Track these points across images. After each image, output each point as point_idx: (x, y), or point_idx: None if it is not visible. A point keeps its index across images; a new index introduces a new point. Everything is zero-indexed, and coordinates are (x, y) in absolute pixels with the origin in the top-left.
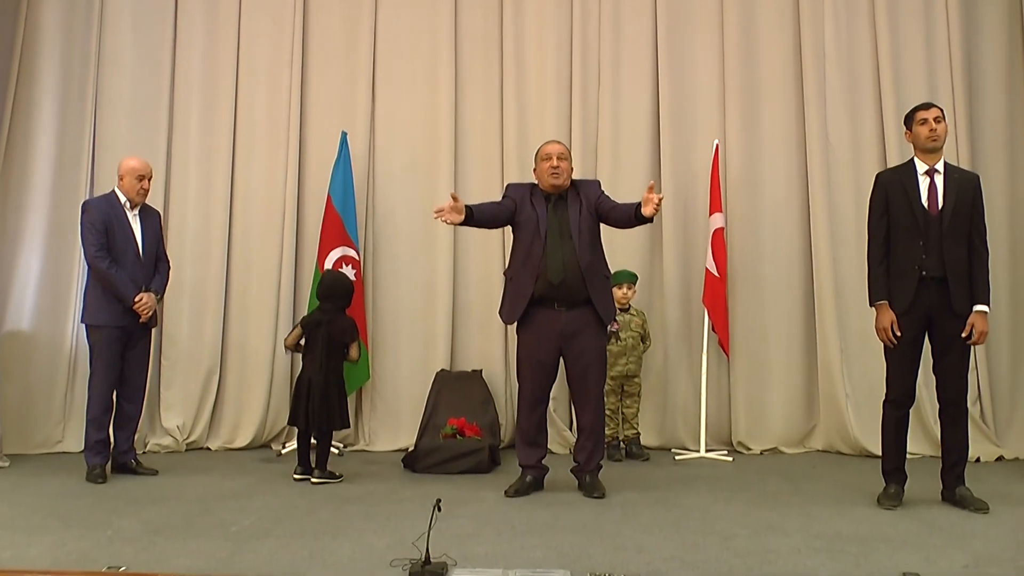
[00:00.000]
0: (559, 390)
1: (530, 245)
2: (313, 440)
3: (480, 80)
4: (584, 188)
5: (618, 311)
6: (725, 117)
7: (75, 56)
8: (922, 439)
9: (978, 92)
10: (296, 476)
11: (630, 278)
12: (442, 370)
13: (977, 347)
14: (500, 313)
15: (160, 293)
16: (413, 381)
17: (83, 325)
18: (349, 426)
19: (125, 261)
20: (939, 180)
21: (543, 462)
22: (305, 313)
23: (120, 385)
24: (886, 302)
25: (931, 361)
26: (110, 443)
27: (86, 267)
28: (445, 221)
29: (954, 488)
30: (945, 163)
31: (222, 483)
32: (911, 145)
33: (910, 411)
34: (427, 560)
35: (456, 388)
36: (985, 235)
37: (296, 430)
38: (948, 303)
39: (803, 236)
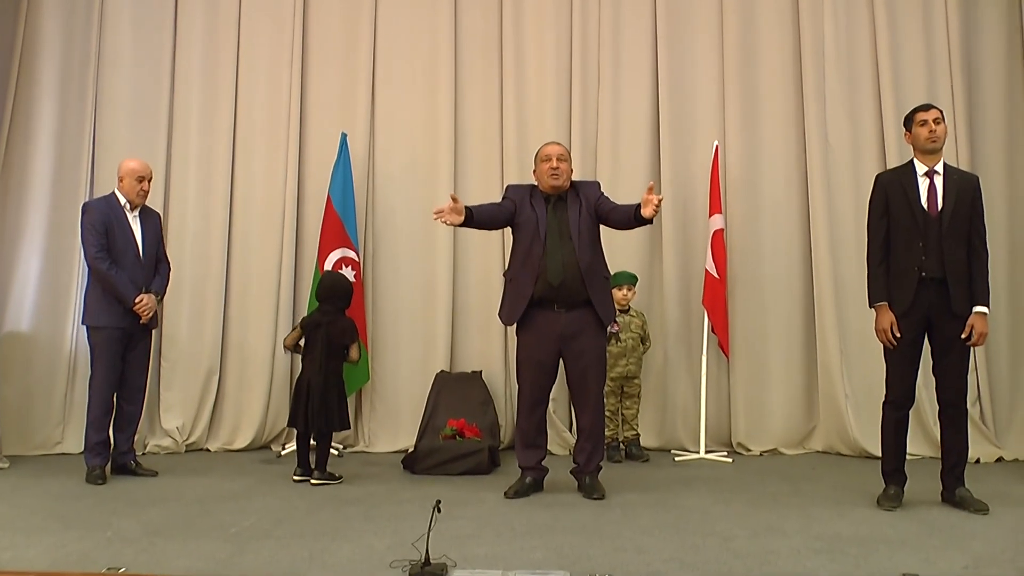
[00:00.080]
0: (559, 391)
1: (530, 246)
2: (313, 441)
3: (480, 81)
4: (584, 189)
5: (618, 312)
6: (725, 118)
7: (75, 57)
8: (922, 440)
9: (977, 93)
10: (296, 477)
11: (630, 279)
12: (442, 371)
13: (977, 348)
14: (500, 314)
15: (160, 294)
16: (413, 382)
17: (84, 326)
18: (349, 427)
19: (125, 262)
20: (939, 181)
21: (543, 463)
22: (305, 314)
23: (120, 386)
24: (886, 303)
25: (931, 362)
26: (110, 444)
27: (86, 268)
28: (445, 222)
29: (954, 489)
30: (945, 164)
31: (222, 484)
32: (910, 146)
33: (910, 412)
34: (427, 561)
35: (456, 389)
36: (985, 236)
37: (296, 431)
38: (948, 304)
39: (803, 237)
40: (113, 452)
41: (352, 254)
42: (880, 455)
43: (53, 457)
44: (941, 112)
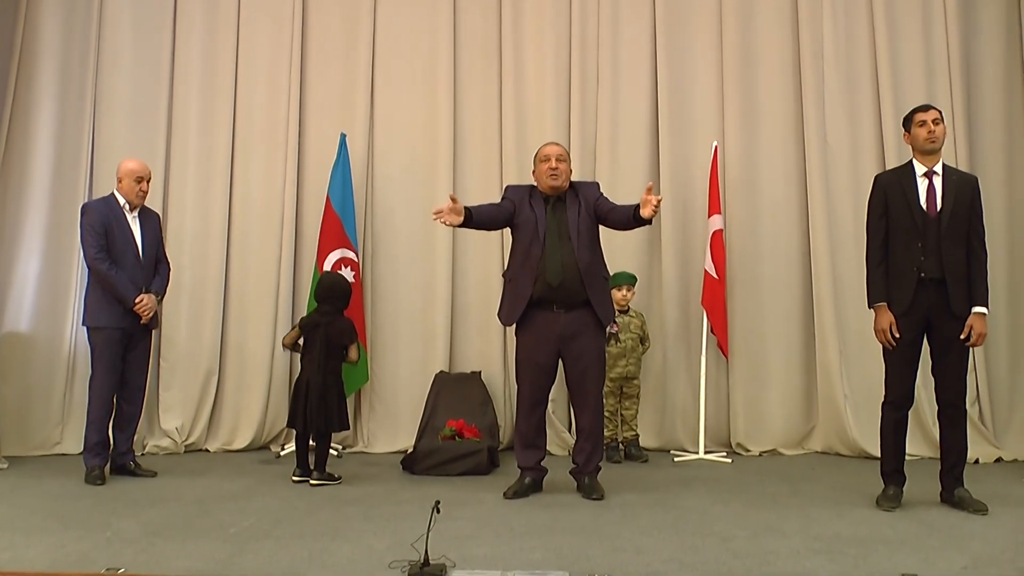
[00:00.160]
0: (558, 392)
1: (529, 247)
2: (312, 442)
3: (479, 81)
4: (583, 190)
5: (617, 313)
6: (724, 119)
7: (74, 58)
8: (921, 441)
9: (976, 94)
10: (295, 478)
11: (629, 280)
12: (441, 372)
13: (976, 349)
14: (499, 315)
15: (161, 294)
16: (412, 383)
17: (84, 327)
18: (348, 427)
19: (125, 263)
20: (938, 182)
21: (542, 464)
22: (304, 315)
23: (120, 387)
24: (885, 304)
25: (930, 363)
26: (109, 445)
27: (85, 269)
28: (444, 223)
29: (953, 489)
30: (944, 165)
31: (221, 485)
32: (909, 147)
33: (909, 413)
34: (426, 562)
35: (455, 390)
36: (984, 237)
37: (295, 432)
38: (947, 305)
39: (802, 238)
40: (112, 452)
41: (351, 254)
42: (879, 455)
43: (52, 457)
44: (940, 113)
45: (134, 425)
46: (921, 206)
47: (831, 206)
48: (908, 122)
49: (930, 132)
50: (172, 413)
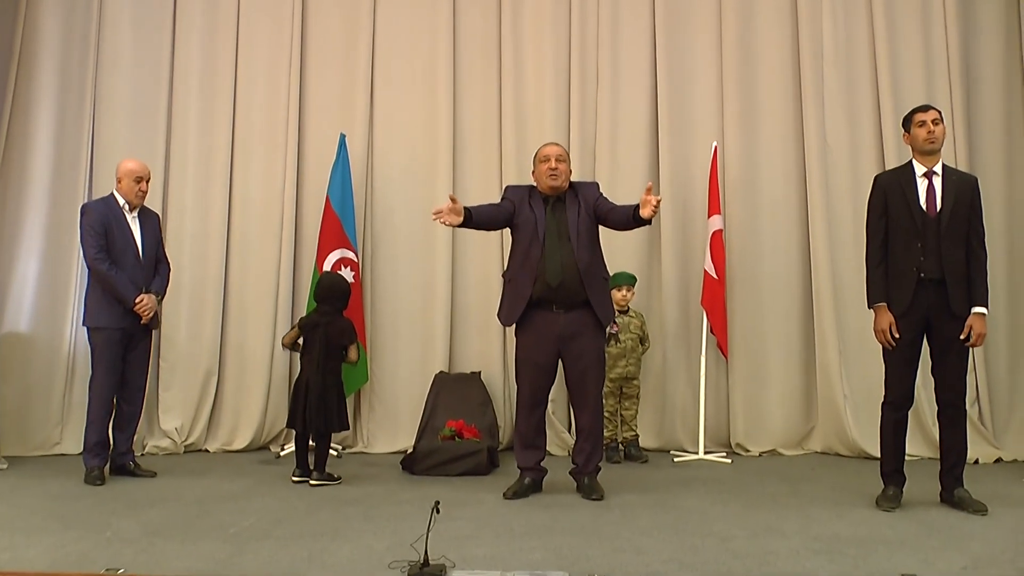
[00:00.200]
0: (558, 392)
1: (528, 247)
2: (312, 442)
3: (479, 82)
4: (583, 190)
5: (617, 313)
6: (723, 119)
7: (74, 58)
8: (921, 441)
9: (976, 94)
10: (295, 478)
11: (629, 280)
12: (441, 372)
13: (975, 349)
14: (499, 315)
15: (161, 294)
16: (412, 383)
17: (84, 328)
18: (348, 428)
19: (125, 263)
20: (937, 182)
21: (542, 464)
22: (303, 315)
23: (120, 387)
24: (885, 304)
25: (930, 363)
26: (109, 445)
27: (85, 269)
28: (444, 223)
29: (953, 490)
30: (943, 165)
31: (221, 485)
32: (909, 147)
33: (908, 413)
34: (426, 562)
35: (455, 390)
36: (983, 237)
37: (295, 432)
38: (946, 305)
39: (801, 238)
40: (112, 453)
41: (351, 255)
42: (879, 456)
43: (52, 458)
44: (940, 113)
45: (134, 425)
46: (921, 206)
47: (831, 206)
48: (908, 122)
49: (930, 132)
50: (172, 413)
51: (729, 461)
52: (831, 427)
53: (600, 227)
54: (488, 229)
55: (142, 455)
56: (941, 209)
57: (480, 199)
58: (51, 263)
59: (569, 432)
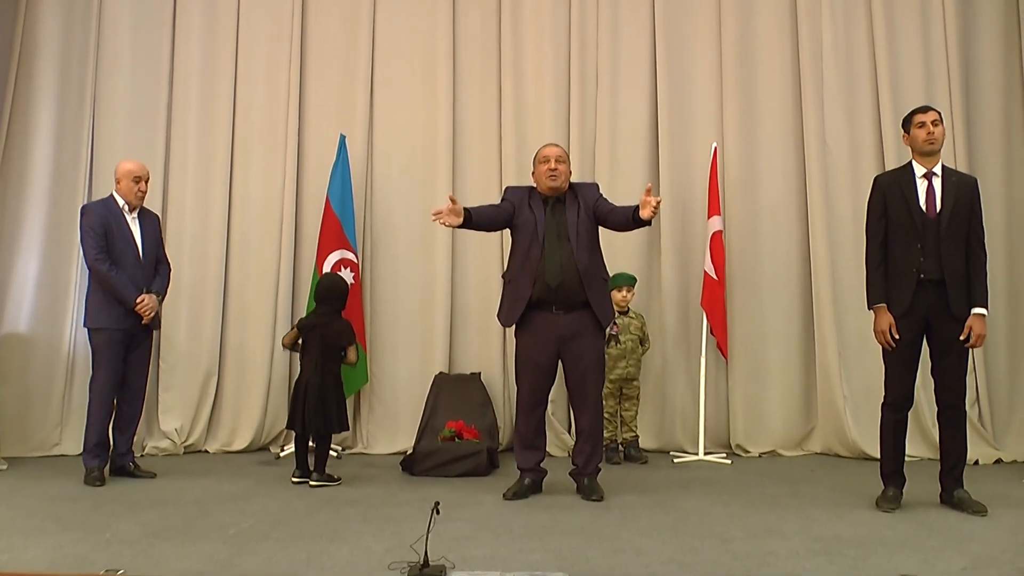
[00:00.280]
0: (558, 393)
1: (528, 248)
2: (312, 443)
3: (478, 83)
4: (582, 191)
5: (617, 314)
6: (723, 120)
7: (73, 59)
8: (920, 442)
9: (975, 95)
10: (294, 479)
11: (629, 281)
12: (440, 373)
13: (975, 350)
14: (498, 316)
15: (162, 294)
16: (411, 384)
17: (84, 329)
18: (348, 429)
19: (125, 264)
20: (937, 183)
21: (541, 465)
22: (303, 316)
23: (120, 388)
24: (884, 305)
25: (929, 364)
26: (109, 446)
27: (85, 270)
28: (443, 224)
29: (952, 491)
30: (943, 166)
31: (220, 486)
32: (909, 148)
33: (908, 414)
34: (425, 563)
35: (455, 391)
36: (983, 238)
37: (294, 433)
38: (946, 306)
39: (801, 239)
40: (112, 454)
41: (351, 255)
42: (879, 457)
43: (51, 459)
44: (939, 114)
45: (134, 426)
46: (920, 207)
47: (830, 207)
48: (907, 123)
49: (929, 133)
50: (171, 414)
51: (729, 462)
52: (831, 428)
53: (600, 228)
54: (488, 230)
55: (142, 456)
56: (941, 210)
57: (480, 200)
58: (51, 264)
59: (569, 433)
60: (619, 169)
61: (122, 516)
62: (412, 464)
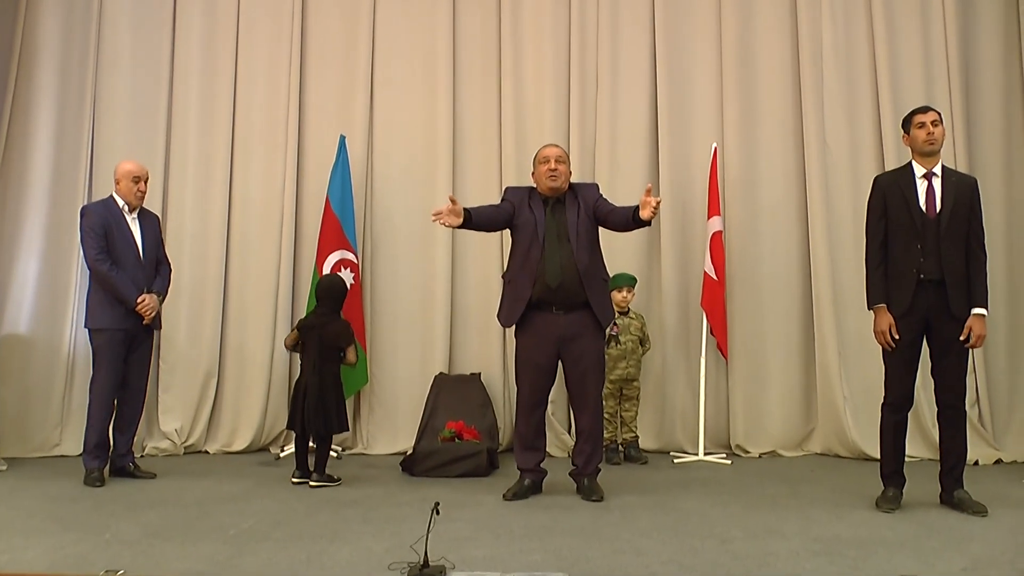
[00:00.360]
0: (558, 393)
1: (528, 248)
2: (312, 443)
3: (478, 83)
4: (582, 191)
5: (618, 314)
6: (723, 120)
7: (74, 59)
8: (920, 442)
9: (975, 95)
10: (294, 479)
11: (629, 281)
12: (440, 373)
13: (975, 350)
14: (498, 316)
15: (162, 294)
16: (411, 384)
17: (85, 329)
18: (347, 429)
19: (126, 264)
20: (937, 183)
21: (541, 465)
22: (303, 316)
23: (121, 388)
24: (884, 305)
25: (929, 364)
26: (109, 447)
27: (85, 271)
28: (443, 224)
29: (952, 491)
30: (943, 166)
31: (220, 486)
32: (909, 148)
33: (908, 414)
34: (425, 563)
35: (454, 391)
36: (983, 238)
37: (295, 433)
38: (946, 306)
39: (801, 239)
40: (112, 454)
41: (351, 256)
42: (879, 457)
43: (51, 459)
44: (939, 114)
45: (134, 427)
46: (920, 207)
47: (830, 207)
48: (907, 123)
49: (929, 134)
50: (171, 415)
51: (729, 462)
52: (831, 428)
53: (600, 228)
54: (488, 230)
55: (142, 456)
56: (941, 210)
57: (480, 200)
58: (51, 264)
59: (569, 433)
60: (619, 169)
61: (122, 517)
62: (412, 464)
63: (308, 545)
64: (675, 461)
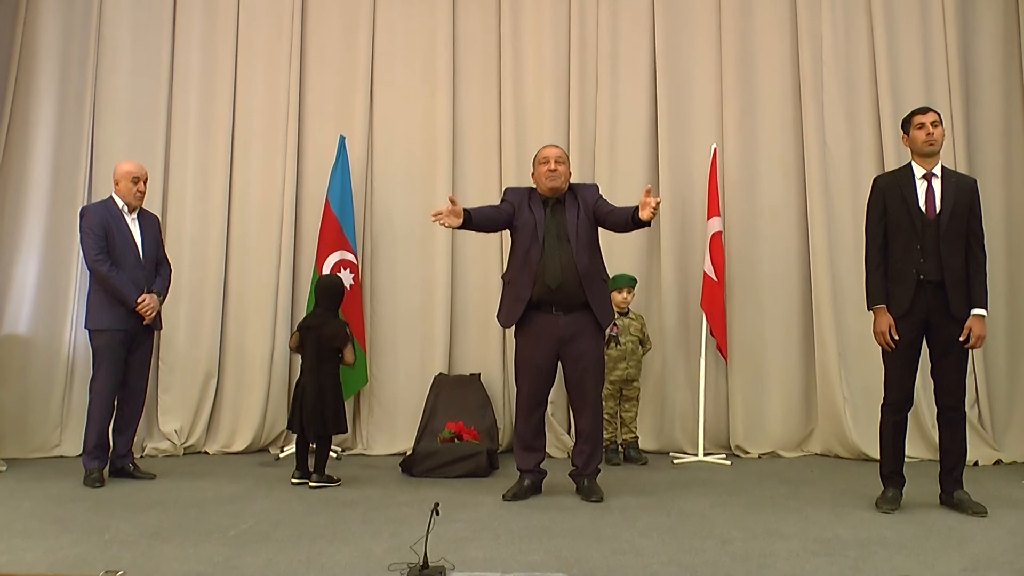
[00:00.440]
0: (557, 394)
1: (528, 249)
2: (312, 444)
3: (478, 84)
4: (582, 192)
5: (617, 315)
6: (723, 121)
7: (73, 61)
8: (920, 443)
9: (975, 96)
10: (294, 480)
11: (629, 282)
12: (440, 374)
13: (975, 351)
14: (498, 317)
15: (163, 294)
16: (411, 385)
17: (85, 330)
18: (345, 430)
19: (125, 264)
20: (936, 184)
21: (541, 466)
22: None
23: (121, 388)
24: (884, 306)
25: (929, 365)
26: (109, 447)
27: (85, 271)
28: (443, 225)
29: (952, 492)
30: (942, 167)
31: (220, 487)
32: (908, 149)
33: (908, 415)
34: (425, 564)
35: (454, 392)
36: (982, 239)
37: (296, 434)
38: (946, 307)
39: (801, 240)
40: (111, 455)
41: (350, 257)
42: (878, 457)
43: (51, 460)
44: (939, 115)
45: (134, 427)
46: (920, 208)
47: (830, 208)
48: (907, 124)
49: (929, 134)
50: (171, 415)
51: (729, 463)
52: (831, 429)
53: (600, 229)
54: (488, 231)
55: (141, 457)
56: (940, 211)
57: (479, 201)
58: (51, 265)
59: (569, 434)
60: (619, 170)
61: (122, 517)
62: (412, 465)
63: (308, 546)
64: (675, 462)
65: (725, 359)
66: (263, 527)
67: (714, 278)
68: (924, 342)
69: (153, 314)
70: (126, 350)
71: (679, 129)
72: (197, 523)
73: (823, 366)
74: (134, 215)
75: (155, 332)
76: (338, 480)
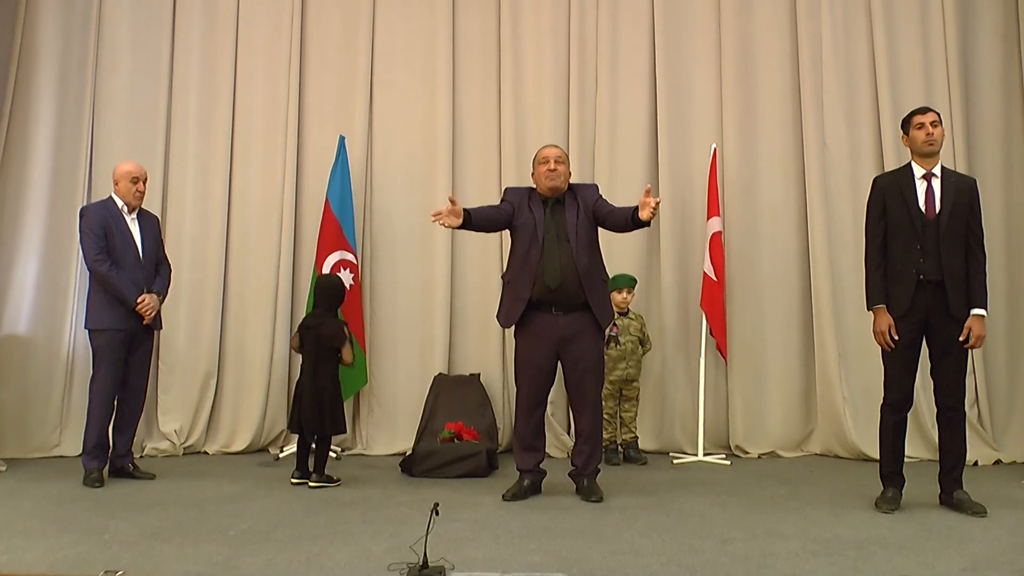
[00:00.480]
0: (557, 394)
1: (528, 249)
2: (312, 444)
3: (478, 84)
4: (582, 192)
5: (617, 315)
6: (722, 121)
7: (73, 61)
8: (920, 443)
9: (974, 96)
10: (293, 480)
11: (629, 282)
12: (440, 374)
13: (974, 351)
14: (498, 317)
15: (163, 294)
16: (411, 385)
17: (84, 330)
18: (344, 430)
19: (125, 264)
20: (936, 184)
21: (541, 466)
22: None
23: (121, 388)
24: (884, 306)
25: (929, 365)
26: (109, 447)
27: (84, 271)
28: (443, 225)
29: (952, 492)
30: (942, 167)
31: (220, 487)
32: (908, 149)
33: (908, 415)
34: (425, 564)
35: (454, 392)
36: (982, 239)
37: (296, 434)
38: (945, 307)
39: (800, 240)
40: (111, 455)
41: (350, 257)
42: (878, 457)
43: (51, 460)
44: (938, 115)
45: (133, 427)
46: (920, 208)
47: (830, 208)
48: (906, 124)
49: (928, 134)
50: (171, 415)
51: (728, 463)
52: (830, 429)
53: (599, 229)
54: (487, 231)
55: (141, 457)
56: (940, 211)
57: (479, 201)
58: (50, 265)
59: (568, 434)
60: (619, 170)
61: (121, 517)
62: (411, 465)
63: (307, 546)
64: (674, 462)
65: (725, 359)
66: (263, 527)
67: (714, 278)
68: (924, 342)
69: (153, 314)
70: (126, 350)
71: (679, 129)
72: (197, 523)
73: (823, 366)
74: (134, 215)
75: (155, 332)
76: (338, 480)
